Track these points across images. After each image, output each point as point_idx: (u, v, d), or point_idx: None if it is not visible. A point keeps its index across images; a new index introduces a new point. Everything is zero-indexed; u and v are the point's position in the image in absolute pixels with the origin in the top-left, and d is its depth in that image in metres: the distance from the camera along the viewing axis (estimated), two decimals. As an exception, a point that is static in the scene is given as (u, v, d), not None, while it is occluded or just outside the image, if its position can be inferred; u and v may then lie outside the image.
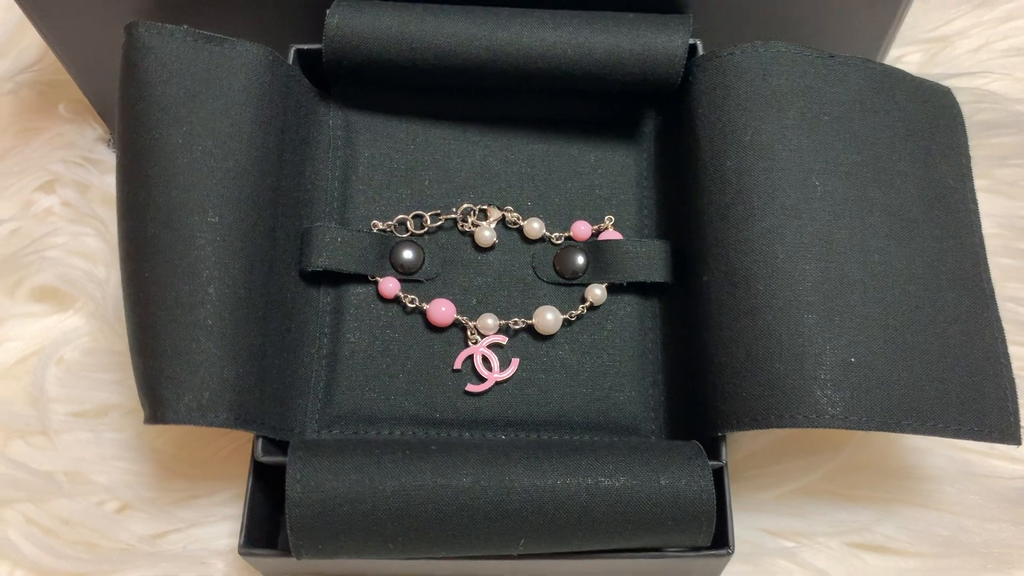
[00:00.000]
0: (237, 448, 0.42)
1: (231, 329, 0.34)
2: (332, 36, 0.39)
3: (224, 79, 0.37)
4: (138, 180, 0.35)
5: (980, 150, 0.47)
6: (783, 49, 0.38)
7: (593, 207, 0.42)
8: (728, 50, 0.38)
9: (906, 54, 0.52)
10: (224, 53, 0.37)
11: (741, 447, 0.42)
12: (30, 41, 0.54)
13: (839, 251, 0.36)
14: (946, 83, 0.42)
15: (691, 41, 0.40)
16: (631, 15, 0.40)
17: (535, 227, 0.41)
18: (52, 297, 0.46)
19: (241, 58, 0.37)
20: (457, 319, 0.39)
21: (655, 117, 0.43)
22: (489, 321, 0.39)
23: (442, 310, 0.39)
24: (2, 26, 0.55)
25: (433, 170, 0.42)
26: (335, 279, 0.40)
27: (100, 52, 0.44)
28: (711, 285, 0.36)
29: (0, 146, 0.50)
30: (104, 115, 0.49)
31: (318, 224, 0.40)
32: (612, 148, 0.43)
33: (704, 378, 0.36)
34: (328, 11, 0.39)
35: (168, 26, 0.36)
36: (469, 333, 0.39)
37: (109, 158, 0.49)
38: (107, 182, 0.48)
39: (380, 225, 0.40)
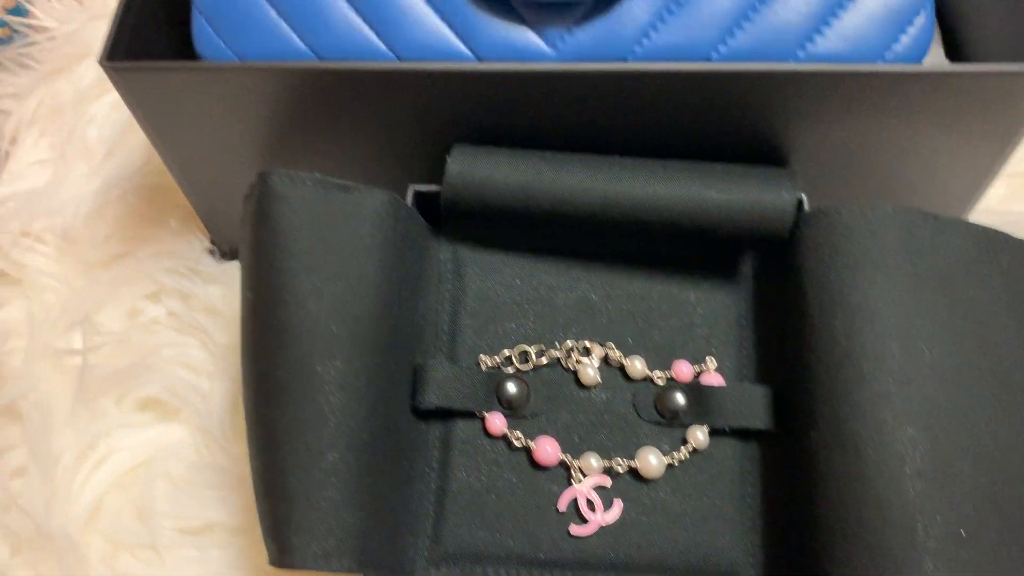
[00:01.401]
0: (338, 571, 0.43)
1: (355, 475, 0.36)
2: (451, 182, 0.40)
3: (352, 226, 0.38)
4: (268, 326, 0.37)
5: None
6: (889, 210, 0.39)
7: (693, 346, 0.43)
8: (835, 208, 0.39)
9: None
10: (352, 200, 0.38)
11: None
12: (137, 142, 0.56)
13: (947, 418, 0.36)
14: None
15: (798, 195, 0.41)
16: (739, 168, 0.41)
17: (637, 366, 0.42)
18: (157, 407, 0.47)
19: (368, 205, 0.38)
20: (562, 459, 0.40)
21: (753, 257, 0.44)
22: (593, 462, 0.40)
23: (547, 450, 0.40)
24: (110, 126, 0.57)
25: (538, 305, 0.43)
26: (444, 414, 0.41)
27: (211, 171, 0.45)
28: (819, 445, 0.37)
29: (108, 252, 0.52)
30: (209, 224, 0.51)
31: (431, 361, 0.41)
32: (711, 287, 0.44)
33: (809, 535, 0.37)
34: (448, 158, 0.40)
35: (300, 174, 0.38)
36: (573, 473, 0.40)
37: (212, 268, 0.51)
38: (210, 292, 0.50)
39: (488, 361, 0.41)
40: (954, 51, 0.49)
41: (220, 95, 0.40)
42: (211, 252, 0.52)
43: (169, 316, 0.49)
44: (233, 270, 0.51)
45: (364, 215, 0.38)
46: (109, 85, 0.59)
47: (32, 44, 0.64)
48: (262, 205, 0.38)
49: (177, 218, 0.52)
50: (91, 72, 0.59)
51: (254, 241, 0.38)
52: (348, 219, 0.38)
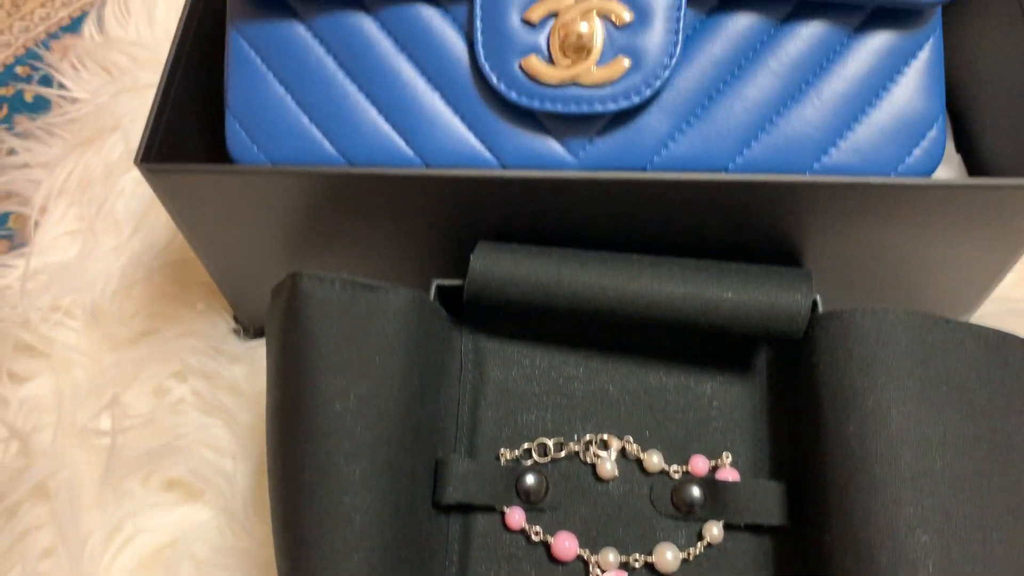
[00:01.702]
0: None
1: (379, 573, 0.36)
2: (474, 279, 0.41)
3: (378, 325, 0.39)
4: (295, 425, 0.38)
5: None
6: (901, 315, 0.40)
7: (709, 440, 0.44)
8: (849, 312, 0.40)
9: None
10: (377, 300, 0.39)
11: None
12: (165, 217, 0.57)
13: (959, 526, 0.37)
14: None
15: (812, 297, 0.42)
16: (754, 268, 0.42)
17: (654, 460, 0.43)
18: (182, 488, 0.48)
19: (392, 304, 0.40)
20: (580, 553, 0.41)
21: (767, 350, 0.45)
22: (611, 557, 0.41)
23: (565, 545, 0.41)
24: (137, 200, 0.59)
25: (556, 396, 0.44)
26: (464, 507, 0.42)
27: (239, 260, 0.47)
28: (833, 548, 0.38)
29: (135, 329, 0.53)
30: (234, 303, 0.52)
31: (451, 456, 0.42)
32: (726, 380, 0.45)
33: (824, 636, 0.38)
34: (472, 256, 0.41)
35: (328, 275, 0.39)
36: (591, 568, 0.41)
37: (236, 347, 0.52)
38: (234, 372, 0.51)
39: (507, 454, 0.42)
40: (965, 141, 0.50)
41: (252, 196, 0.41)
42: (235, 331, 0.53)
43: (194, 395, 0.50)
44: (257, 349, 0.52)
45: (389, 314, 0.39)
46: (137, 160, 0.61)
47: (63, 115, 0.66)
48: (292, 306, 0.39)
49: (202, 296, 0.53)
50: (120, 146, 0.61)
51: (283, 341, 0.39)
52: (374, 318, 0.39)
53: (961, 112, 0.51)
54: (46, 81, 0.71)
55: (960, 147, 0.51)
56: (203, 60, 0.45)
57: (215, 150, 0.44)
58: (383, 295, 0.40)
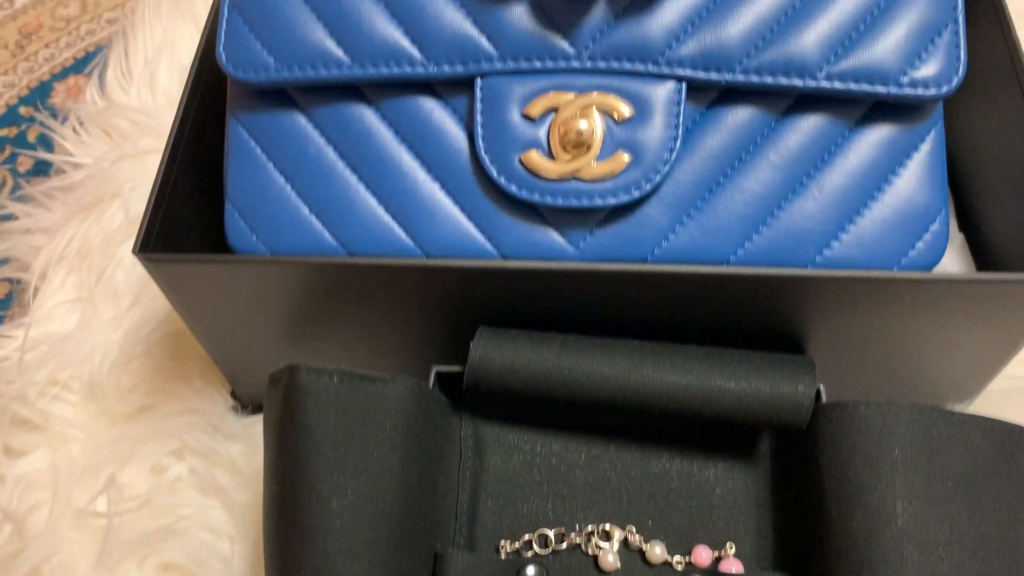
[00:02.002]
0: None
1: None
2: (474, 367, 0.41)
3: (377, 418, 0.39)
4: (291, 522, 0.37)
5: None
6: (906, 408, 0.39)
7: (713, 528, 0.43)
8: (853, 404, 0.40)
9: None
10: (376, 391, 0.39)
11: None
12: (159, 290, 0.57)
13: (967, 628, 0.37)
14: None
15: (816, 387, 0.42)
16: (756, 357, 0.41)
17: (657, 552, 0.42)
18: (178, 571, 0.48)
19: (391, 395, 0.39)
20: (582, 649, 0.40)
21: (771, 436, 0.44)
22: (613, 652, 0.40)
23: (567, 640, 0.40)
24: (135, 268, 0.59)
25: (557, 484, 0.43)
26: (464, 601, 0.41)
27: (238, 342, 0.46)
28: (840, 649, 0.37)
29: (132, 405, 0.53)
30: (231, 380, 0.52)
31: (450, 550, 0.41)
32: (729, 466, 0.44)
33: None
34: (472, 343, 0.41)
35: (327, 368, 0.39)
36: (593, 664, 0.40)
37: (234, 425, 0.52)
38: (232, 451, 0.51)
39: (507, 547, 0.42)
40: (969, 221, 0.50)
41: (251, 285, 0.41)
42: (233, 408, 0.53)
43: (191, 474, 0.50)
44: (254, 426, 0.52)
45: (388, 405, 0.39)
46: (137, 227, 0.61)
47: (63, 180, 0.66)
48: (289, 399, 0.39)
49: (199, 370, 0.53)
50: (120, 215, 0.61)
51: (280, 435, 0.39)
52: (372, 411, 0.39)
53: (964, 191, 0.51)
54: (47, 145, 0.71)
55: (963, 226, 0.50)
56: (203, 147, 0.45)
57: (215, 237, 0.44)
58: (381, 386, 0.39)
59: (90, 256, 0.60)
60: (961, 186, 0.51)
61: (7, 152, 1.23)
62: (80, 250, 0.61)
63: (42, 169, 1.21)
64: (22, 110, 1.33)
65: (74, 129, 0.69)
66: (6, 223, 0.65)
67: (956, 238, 0.50)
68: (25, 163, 1.21)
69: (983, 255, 0.49)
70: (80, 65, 1.42)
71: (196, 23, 0.74)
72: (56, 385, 0.54)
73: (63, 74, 1.39)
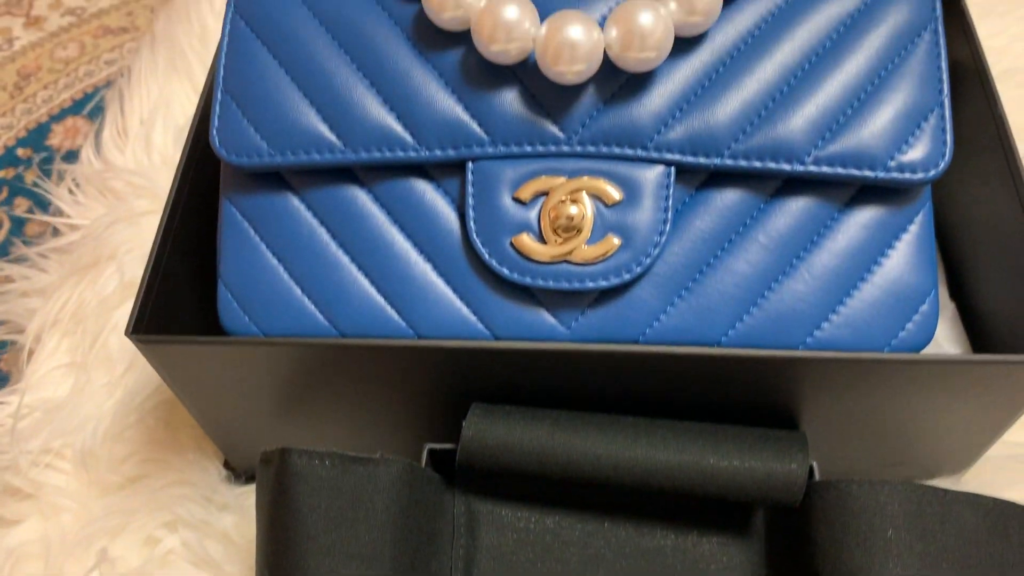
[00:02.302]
0: None
1: None
2: (467, 446, 0.41)
3: (368, 500, 0.39)
4: (286, 611, 0.37)
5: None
6: (899, 487, 0.39)
7: (708, 607, 0.43)
8: (846, 483, 0.40)
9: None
10: (367, 473, 0.39)
11: None
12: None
13: None
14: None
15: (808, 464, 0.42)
16: (749, 434, 0.41)
17: (650, 631, 0.42)
18: (170, 648, 0.47)
19: (384, 477, 0.39)
20: None
21: (765, 512, 0.44)
22: None
23: None
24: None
25: (552, 562, 0.43)
26: None
27: (231, 417, 0.46)
28: None
29: (124, 475, 0.52)
30: (224, 450, 0.52)
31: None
32: (724, 540, 0.44)
33: None
34: (464, 422, 0.41)
35: (318, 452, 0.39)
36: None
37: (227, 495, 0.51)
38: (225, 522, 0.50)
39: (501, 629, 0.42)
40: (960, 289, 0.50)
41: (244, 365, 0.41)
42: (226, 478, 0.52)
43: (184, 547, 0.49)
44: (247, 496, 0.51)
45: (380, 487, 0.39)
46: (132, 292, 0.61)
47: (59, 241, 0.66)
48: (281, 482, 0.39)
49: (192, 439, 0.53)
50: (114, 279, 0.61)
51: (272, 517, 0.39)
52: (364, 493, 0.39)
53: (955, 260, 0.51)
54: (42, 205, 0.71)
55: (954, 295, 0.51)
56: (196, 227, 0.46)
57: (208, 314, 0.44)
58: (373, 468, 0.39)
59: (84, 320, 0.60)
60: (952, 255, 0.51)
61: (4, 193, 1.23)
62: (75, 314, 0.61)
63: (40, 208, 1.21)
64: (20, 152, 1.34)
65: (70, 190, 0.69)
66: (3, 286, 0.65)
67: (948, 307, 0.50)
68: (22, 205, 1.21)
69: (974, 324, 0.49)
70: (78, 106, 1.43)
71: (192, 82, 0.74)
72: (49, 454, 0.54)
73: (61, 115, 1.40)
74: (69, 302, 0.62)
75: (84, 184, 0.69)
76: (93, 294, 0.61)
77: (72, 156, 1.27)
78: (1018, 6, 0.70)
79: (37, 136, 1.31)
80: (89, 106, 1.36)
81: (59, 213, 0.69)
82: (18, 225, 1.19)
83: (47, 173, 1.18)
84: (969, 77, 0.48)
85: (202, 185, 0.46)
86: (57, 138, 1.30)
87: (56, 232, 0.68)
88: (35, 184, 0.74)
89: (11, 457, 0.53)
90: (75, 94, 1.39)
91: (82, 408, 0.56)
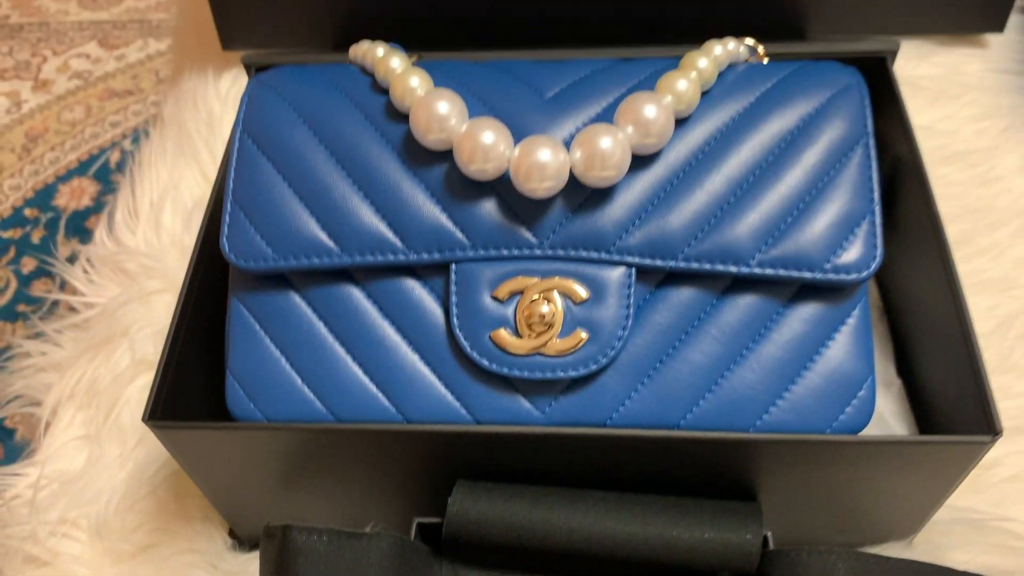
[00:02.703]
0: None
1: None
2: (452, 521, 0.45)
3: (363, 571, 0.43)
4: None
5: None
6: (844, 555, 0.43)
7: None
8: (796, 551, 0.44)
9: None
10: (361, 547, 0.43)
11: None
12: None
13: None
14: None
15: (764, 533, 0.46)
16: (710, 506, 0.45)
17: None
18: None
19: (376, 550, 0.43)
20: None
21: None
22: None
23: None
24: (140, 408, 0.63)
25: (530, 625, 0.47)
26: None
27: (236, 490, 0.50)
28: None
29: (136, 543, 0.56)
30: (229, 520, 0.55)
31: None
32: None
33: None
34: (450, 498, 0.45)
35: (316, 529, 0.43)
36: None
37: (232, 563, 0.55)
38: (230, 589, 0.54)
39: None
40: (905, 366, 0.54)
41: (249, 446, 0.45)
42: (231, 546, 0.56)
43: (191, 615, 0.53)
44: (251, 563, 0.55)
45: (373, 560, 0.43)
46: (143, 369, 0.65)
47: (74, 318, 0.70)
48: (283, 556, 0.43)
49: (200, 509, 0.57)
50: (127, 357, 0.65)
51: (277, 588, 0.43)
52: (358, 566, 0.43)
53: (902, 340, 0.55)
54: (48, 264, 0.76)
55: (901, 372, 0.55)
56: (204, 320, 0.50)
57: (215, 399, 0.48)
58: (367, 542, 0.43)
59: (99, 395, 0.65)
60: (899, 335, 0.56)
61: (11, 253, 1.27)
62: (89, 389, 0.65)
63: (44, 272, 1.25)
64: (27, 212, 1.39)
65: (84, 270, 0.74)
66: (21, 361, 0.70)
67: (894, 384, 0.54)
68: (29, 265, 1.25)
69: (919, 400, 0.53)
70: (84, 167, 1.48)
71: (199, 166, 0.79)
72: (66, 524, 0.58)
73: (67, 176, 1.45)
74: (84, 377, 0.66)
75: (98, 264, 0.74)
76: (107, 370, 0.65)
77: (77, 216, 1.32)
78: (968, 91, 0.76)
79: (44, 196, 1.36)
80: (94, 167, 1.42)
81: (74, 292, 0.73)
82: (24, 284, 1.23)
83: (54, 233, 1.23)
84: (909, 174, 0.53)
85: (211, 279, 0.51)
86: (63, 198, 1.35)
87: (72, 309, 0.73)
88: (42, 253, 0.78)
89: (31, 528, 0.57)
90: (81, 155, 1.44)
91: (96, 480, 0.60)
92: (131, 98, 1.51)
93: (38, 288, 1.23)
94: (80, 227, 1.28)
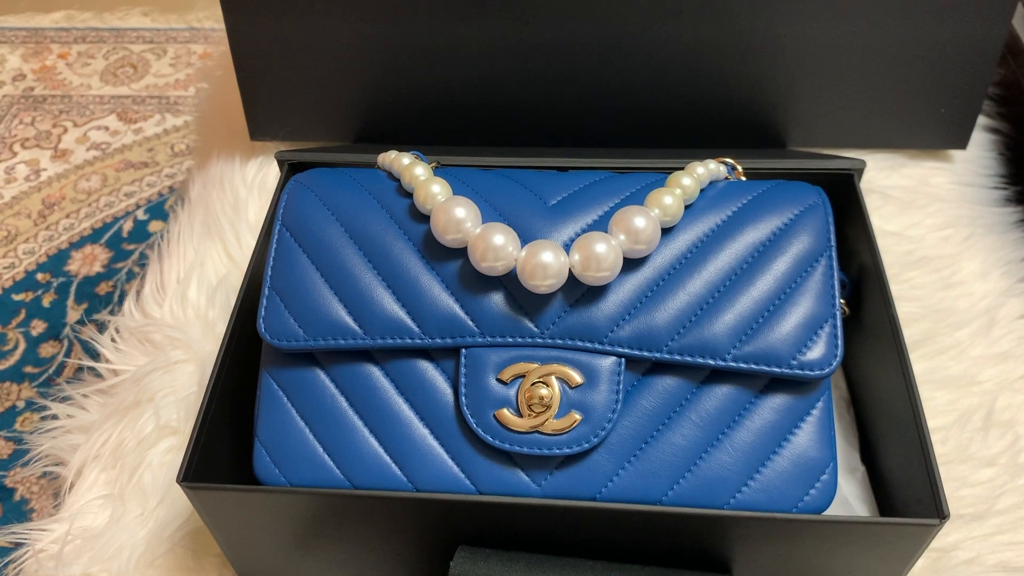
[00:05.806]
0: None
1: None
2: (453, 583, 0.50)
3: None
4: None
5: None
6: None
7: None
8: (765, 620, 0.48)
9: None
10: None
11: None
12: (181, 492, 0.66)
13: None
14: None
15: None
16: (687, 576, 0.50)
17: None
18: None
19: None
20: None
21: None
22: None
23: None
24: (164, 472, 0.67)
25: None
26: None
27: (255, 545, 0.55)
28: None
29: (155, 598, 0.60)
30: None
31: None
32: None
33: None
34: (452, 563, 0.49)
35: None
36: None
37: (245, 619, 0.59)
38: (241, 643, 0.58)
39: None
40: (869, 454, 0.59)
41: (272, 508, 0.50)
42: (245, 603, 0.60)
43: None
44: (262, 620, 0.59)
45: None
46: (166, 433, 0.70)
47: (102, 384, 0.75)
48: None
49: (216, 567, 0.61)
50: (151, 422, 0.70)
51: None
52: None
53: (865, 429, 0.61)
54: (91, 353, 0.81)
55: (864, 458, 0.60)
56: (231, 391, 0.55)
57: (242, 464, 0.53)
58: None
59: (123, 457, 0.69)
60: (863, 425, 0.61)
61: (22, 315, 1.33)
62: (114, 451, 0.70)
63: (53, 334, 1.30)
64: (39, 276, 1.44)
65: (112, 339, 0.79)
66: (49, 422, 0.74)
67: (858, 470, 0.59)
68: (38, 327, 1.30)
69: (879, 484, 0.58)
70: (97, 235, 1.54)
71: (224, 245, 0.85)
72: (88, 578, 0.62)
73: (80, 243, 1.51)
74: (110, 440, 0.71)
75: (126, 334, 0.79)
76: (132, 434, 0.70)
77: (87, 283, 1.38)
78: (934, 201, 0.82)
79: (56, 262, 1.42)
80: (107, 235, 1.47)
81: (103, 359, 0.78)
82: (33, 346, 1.28)
83: (64, 298, 1.29)
84: (871, 280, 0.59)
85: (239, 354, 0.56)
86: (75, 264, 1.41)
87: (97, 375, 0.78)
88: (53, 317, 0.83)
89: (57, 582, 0.61)
90: (95, 223, 1.50)
91: (119, 537, 0.64)
92: (146, 170, 1.58)
93: (46, 351, 1.28)
94: (90, 293, 1.34)
